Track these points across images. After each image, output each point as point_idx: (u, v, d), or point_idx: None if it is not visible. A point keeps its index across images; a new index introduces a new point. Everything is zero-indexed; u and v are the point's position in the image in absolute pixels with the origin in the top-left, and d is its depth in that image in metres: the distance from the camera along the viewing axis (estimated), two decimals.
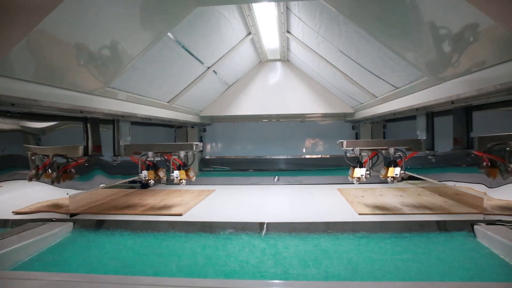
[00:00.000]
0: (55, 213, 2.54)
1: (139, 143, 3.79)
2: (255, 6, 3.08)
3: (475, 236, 2.11)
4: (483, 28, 1.71)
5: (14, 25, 1.70)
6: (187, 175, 3.03)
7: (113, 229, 2.38)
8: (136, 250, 2.05)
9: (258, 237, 2.21)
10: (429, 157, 3.31)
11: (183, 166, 3.03)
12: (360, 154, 2.75)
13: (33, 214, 2.49)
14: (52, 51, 1.97)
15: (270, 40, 4.19)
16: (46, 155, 2.72)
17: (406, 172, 2.78)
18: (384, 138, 5.14)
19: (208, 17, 2.92)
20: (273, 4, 3.05)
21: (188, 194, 3.42)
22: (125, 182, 3.63)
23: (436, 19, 1.95)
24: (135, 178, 3.63)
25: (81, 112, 2.61)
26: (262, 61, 5.19)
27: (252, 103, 5.15)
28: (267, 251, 1.97)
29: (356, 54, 3.12)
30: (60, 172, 2.78)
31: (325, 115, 5.59)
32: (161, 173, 3.08)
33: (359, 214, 2.53)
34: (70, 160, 2.91)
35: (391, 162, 2.76)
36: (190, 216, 2.61)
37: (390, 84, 3.21)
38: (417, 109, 3.06)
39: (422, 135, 3.43)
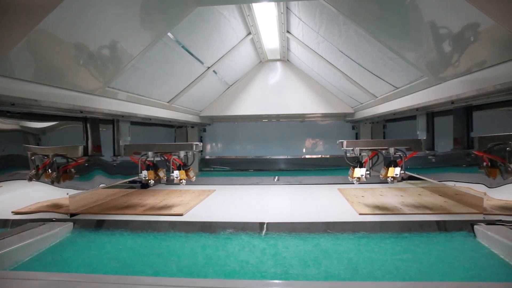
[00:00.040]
0: (55, 213, 2.54)
1: (139, 143, 3.79)
2: (255, 6, 3.08)
3: (475, 236, 2.11)
4: (483, 28, 1.71)
5: (14, 25, 1.70)
6: (187, 175, 3.03)
7: (113, 229, 2.38)
8: (136, 250, 2.05)
9: (258, 237, 2.21)
10: (429, 157, 3.32)
11: (183, 166, 3.03)
12: (360, 154, 2.75)
13: (33, 214, 2.49)
14: (52, 51, 1.97)
15: (270, 40, 4.19)
16: (46, 155, 2.72)
17: (406, 172, 2.78)
18: (384, 138, 5.14)
19: (208, 17, 2.92)
20: (273, 4, 3.05)
21: (189, 194, 3.42)
22: (125, 182, 3.63)
23: (436, 19, 1.95)
24: (135, 178, 3.65)
25: (81, 112, 2.61)
26: (262, 61, 5.19)
27: (252, 103, 5.15)
28: (267, 251, 1.97)
29: (356, 54, 3.12)
30: (60, 172, 2.78)
31: (325, 115, 5.59)
32: (161, 173, 3.08)
33: (360, 214, 2.53)
34: (70, 160, 2.91)
35: (391, 162, 2.76)
36: (191, 216, 2.60)
37: (390, 84, 3.21)
38: (417, 109, 3.06)
39: (422, 135, 3.44)
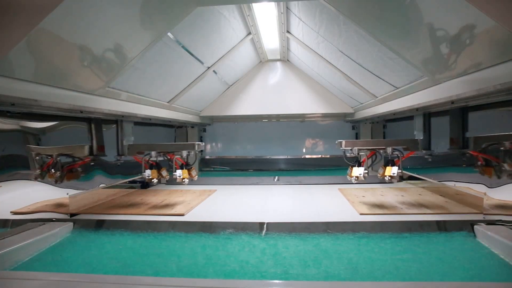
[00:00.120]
0: (55, 213, 2.54)
1: (142, 143, 3.81)
2: (255, 6, 3.08)
3: (475, 236, 2.11)
4: (483, 28, 1.71)
5: (14, 25, 1.70)
6: (189, 174, 3.06)
7: (113, 229, 2.38)
8: (136, 250, 2.05)
9: (258, 237, 2.21)
10: (426, 156, 3.37)
11: (186, 166, 3.06)
12: (358, 153, 2.80)
13: (33, 214, 2.49)
14: (52, 51, 1.97)
15: (270, 40, 4.19)
16: (50, 155, 2.75)
17: (405, 172, 2.80)
18: (384, 138, 5.14)
19: (208, 17, 2.92)
20: (273, 4, 3.05)
21: (190, 194, 3.42)
22: (125, 182, 3.63)
23: (436, 19, 1.95)
24: (138, 177, 3.70)
25: (81, 112, 2.61)
26: (262, 61, 5.19)
27: (252, 103, 5.15)
28: (267, 251, 1.97)
29: (356, 54, 3.12)
30: (64, 171, 2.81)
31: (325, 115, 5.59)
32: (164, 172, 3.11)
33: (360, 214, 2.53)
34: (76, 159, 2.96)
35: (388, 162, 2.81)
36: (192, 216, 2.61)
37: (390, 84, 3.21)
38: (417, 109, 3.06)
39: (419, 135, 3.47)
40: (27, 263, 1.85)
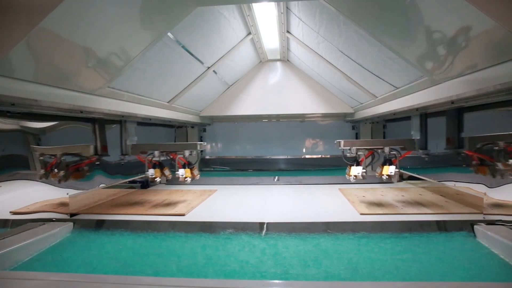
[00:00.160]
0: (55, 213, 2.54)
1: (145, 143, 3.85)
2: (255, 6, 3.08)
3: (475, 236, 2.11)
4: (483, 28, 1.71)
5: (14, 25, 1.70)
6: (191, 173, 3.11)
7: (113, 229, 2.38)
8: (136, 250, 2.05)
9: (258, 237, 2.21)
10: (423, 156, 3.43)
11: (188, 165, 3.11)
12: (356, 153, 2.87)
13: (33, 214, 2.49)
14: (52, 51, 1.97)
15: (270, 40, 4.19)
16: (55, 155, 2.79)
17: (405, 172, 2.83)
18: (384, 137, 5.14)
19: (208, 17, 2.92)
20: (273, 4, 3.05)
21: (190, 194, 3.43)
22: (125, 182, 3.63)
23: (436, 19, 1.95)
24: (138, 177, 3.76)
25: (81, 112, 2.61)
26: (262, 61, 5.19)
27: (252, 103, 5.15)
28: (267, 251, 1.97)
29: (356, 54, 3.12)
30: (70, 170, 2.87)
31: (325, 115, 5.59)
32: (167, 172, 3.16)
33: (361, 214, 2.53)
34: (83, 158, 3.02)
35: (386, 161, 2.89)
36: (192, 216, 2.61)
37: (390, 84, 3.21)
38: (417, 109, 3.06)
39: (416, 135, 3.53)
40: (27, 263, 1.86)
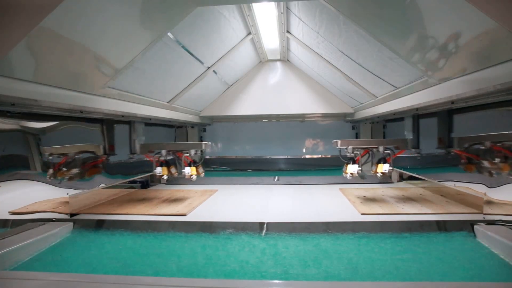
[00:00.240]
0: (55, 213, 2.54)
1: (152, 143, 3.94)
2: (255, 6, 3.08)
3: (475, 236, 2.11)
4: (483, 28, 1.71)
5: (14, 25, 1.70)
6: (197, 171, 3.25)
7: (113, 229, 2.38)
8: (136, 250, 2.05)
9: (258, 237, 2.21)
10: (415, 154, 3.56)
11: (194, 163, 3.25)
12: (352, 152, 3.03)
13: (33, 214, 2.49)
14: (52, 51, 1.97)
15: (270, 40, 4.19)
16: (66, 153, 2.89)
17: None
18: (384, 137, 5.14)
19: (208, 17, 2.92)
20: (273, 4, 3.05)
21: (191, 194, 3.43)
22: (125, 182, 3.63)
23: (436, 19, 1.95)
24: (142, 176, 3.87)
25: (81, 112, 2.61)
26: (262, 61, 5.19)
27: (252, 103, 5.15)
28: (267, 251, 1.97)
29: (356, 54, 3.12)
30: (87, 167, 3.02)
31: (325, 115, 5.59)
32: (173, 170, 3.32)
33: (362, 214, 2.53)
34: (97, 156, 3.18)
35: (380, 160, 3.07)
36: (193, 216, 2.61)
37: (390, 84, 3.21)
38: (417, 109, 3.06)
39: (409, 135, 3.66)
40: (27, 263, 1.86)
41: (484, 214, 2.28)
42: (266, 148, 5.87)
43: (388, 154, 3.04)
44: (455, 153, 2.88)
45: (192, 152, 3.26)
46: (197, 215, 2.64)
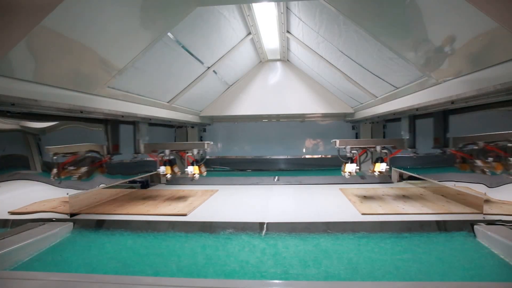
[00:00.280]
0: (55, 213, 2.54)
1: (156, 143, 4.01)
2: (255, 6, 3.07)
3: (475, 236, 2.11)
4: (483, 28, 1.71)
5: (14, 25, 1.70)
6: (199, 170, 3.35)
7: (113, 229, 2.38)
8: (136, 250, 2.05)
9: (258, 237, 2.21)
10: (412, 154, 3.64)
11: (196, 162, 3.36)
12: (350, 151, 3.13)
13: (33, 214, 2.49)
14: (52, 51, 1.97)
15: (270, 40, 4.18)
16: (74, 153, 2.97)
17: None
18: (384, 137, 5.14)
19: (208, 17, 2.92)
20: (273, 4, 3.05)
21: (192, 194, 3.43)
22: (125, 182, 3.63)
23: (436, 19, 1.95)
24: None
25: (81, 112, 2.61)
26: (262, 61, 5.19)
27: (252, 103, 5.15)
28: (267, 251, 1.97)
29: (356, 54, 3.12)
30: (96, 165, 3.11)
31: (325, 115, 5.59)
32: (176, 169, 3.44)
33: (362, 214, 2.53)
34: (101, 156, 3.26)
35: (378, 159, 3.17)
36: (194, 216, 2.61)
37: (390, 84, 3.21)
38: (417, 109, 3.06)
39: (405, 135, 3.71)
40: (27, 263, 1.86)
41: (484, 214, 2.28)
42: (266, 148, 5.87)
43: (385, 153, 3.13)
44: (451, 152, 2.96)
45: (195, 151, 3.34)
46: (197, 215, 2.64)
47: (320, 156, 5.79)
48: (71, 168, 2.88)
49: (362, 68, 3.29)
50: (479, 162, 2.53)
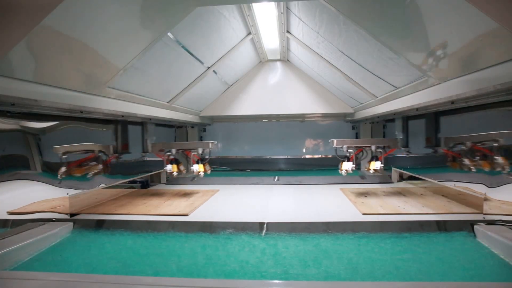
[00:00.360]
0: (55, 213, 2.54)
1: (163, 142, 4.17)
2: (255, 6, 3.08)
3: (475, 236, 2.11)
4: (483, 28, 1.71)
5: (14, 25, 1.70)
6: (204, 168, 3.56)
7: (113, 229, 2.38)
8: (136, 250, 2.05)
9: (258, 237, 2.21)
10: (405, 153, 3.79)
11: (201, 161, 3.55)
12: (347, 150, 3.28)
13: (34, 214, 2.49)
14: (52, 51, 1.97)
15: (270, 40, 4.19)
16: (88, 151, 3.10)
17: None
18: (384, 137, 5.14)
19: (208, 17, 2.92)
20: (273, 4, 3.05)
21: (193, 194, 3.43)
22: (125, 182, 3.63)
23: (436, 19, 1.95)
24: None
25: (81, 112, 2.61)
26: (262, 61, 5.19)
27: (252, 103, 5.15)
28: (267, 251, 1.97)
29: (356, 54, 3.12)
30: (106, 164, 3.23)
31: (325, 115, 5.59)
32: (182, 167, 3.62)
33: (363, 214, 2.53)
34: (107, 156, 3.36)
35: (373, 157, 3.36)
36: (195, 216, 2.61)
37: (390, 84, 3.21)
38: (417, 109, 3.06)
39: (399, 135, 3.85)
40: (27, 263, 1.86)
41: (484, 214, 2.28)
42: (266, 148, 5.87)
43: (380, 152, 3.30)
44: (443, 151, 3.09)
45: (200, 150, 3.51)
46: (197, 215, 2.64)
47: (320, 156, 5.79)
48: (80, 167, 2.96)
49: (362, 68, 3.29)
50: (466, 161, 2.67)
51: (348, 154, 3.31)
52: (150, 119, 3.83)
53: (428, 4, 1.89)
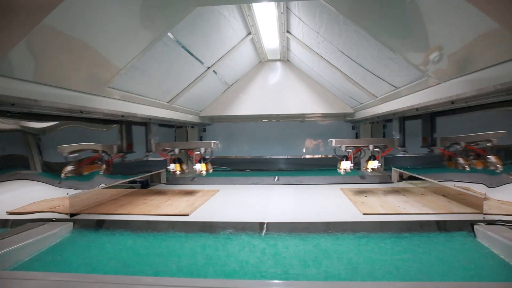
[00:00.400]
0: (55, 213, 2.54)
1: (166, 142, 4.22)
2: (255, 6, 3.08)
3: (475, 236, 2.11)
4: (483, 28, 1.71)
5: (14, 25, 1.70)
6: (206, 167, 3.65)
7: (113, 229, 2.38)
8: (136, 250, 2.05)
9: (258, 237, 2.21)
10: (402, 153, 3.83)
11: (204, 160, 3.64)
12: (345, 150, 3.37)
13: (33, 214, 2.49)
14: (52, 51, 1.97)
15: (270, 40, 4.19)
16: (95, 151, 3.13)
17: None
18: (384, 137, 5.14)
19: (208, 17, 2.92)
20: (273, 4, 3.05)
21: (193, 194, 3.43)
22: (125, 182, 3.63)
23: (436, 19, 1.95)
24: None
25: (81, 112, 2.61)
26: (262, 61, 5.19)
27: (252, 103, 5.15)
28: (267, 251, 1.97)
29: (356, 54, 3.12)
30: (109, 164, 3.26)
31: (325, 115, 5.59)
32: (184, 166, 3.71)
33: (364, 214, 2.53)
34: (110, 155, 3.40)
35: (370, 157, 3.46)
36: (195, 216, 2.61)
37: (390, 84, 3.21)
38: (417, 109, 3.06)
39: (396, 135, 3.90)
40: (27, 263, 1.86)
41: (484, 214, 2.28)
42: (266, 148, 5.87)
43: (377, 152, 3.37)
44: (439, 151, 3.14)
45: (202, 150, 3.58)
46: (197, 215, 2.64)
47: (320, 156, 5.79)
48: (87, 166, 3.00)
49: (362, 68, 3.29)
50: (461, 160, 2.74)
51: (346, 154, 3.38)
52: (150, 119, 3.83)
53: (428, 4, 1.89)
